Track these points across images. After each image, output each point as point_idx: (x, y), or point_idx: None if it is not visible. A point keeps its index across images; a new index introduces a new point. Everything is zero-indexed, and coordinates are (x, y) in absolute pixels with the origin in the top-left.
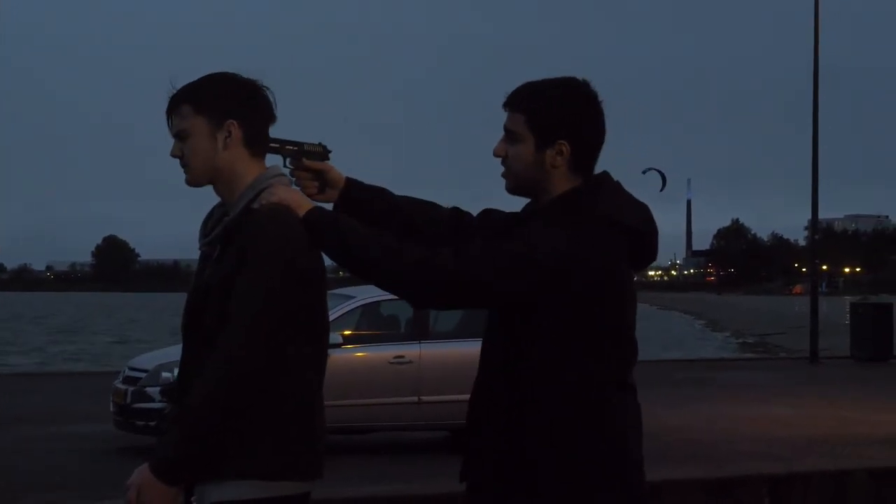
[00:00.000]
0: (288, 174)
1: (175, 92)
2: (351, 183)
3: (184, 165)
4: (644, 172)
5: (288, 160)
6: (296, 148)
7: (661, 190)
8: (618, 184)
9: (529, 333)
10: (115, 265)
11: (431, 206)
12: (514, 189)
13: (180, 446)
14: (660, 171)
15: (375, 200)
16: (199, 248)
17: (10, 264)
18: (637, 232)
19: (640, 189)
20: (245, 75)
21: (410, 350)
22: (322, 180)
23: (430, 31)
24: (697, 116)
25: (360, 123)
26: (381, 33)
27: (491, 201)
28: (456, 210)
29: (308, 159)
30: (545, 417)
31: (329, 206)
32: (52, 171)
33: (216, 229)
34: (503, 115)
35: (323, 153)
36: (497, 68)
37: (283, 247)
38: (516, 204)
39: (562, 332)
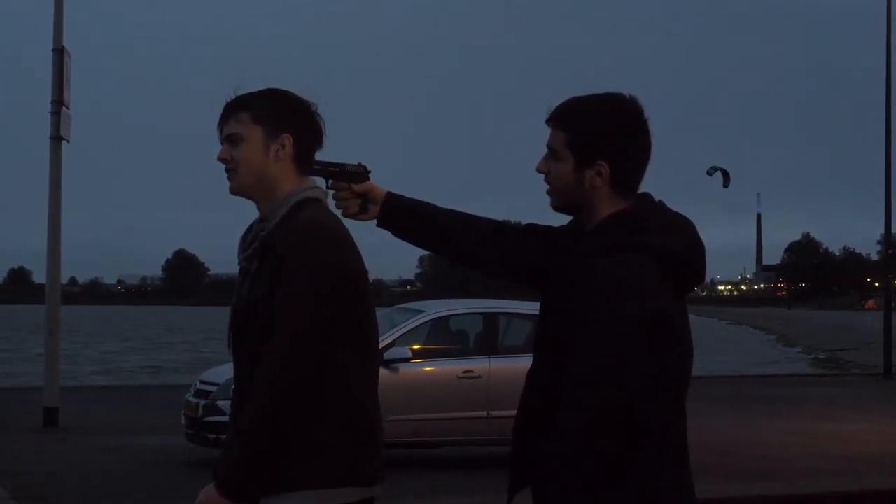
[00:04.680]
0: (329, 192)
1: (233, 98)
2: (391, 199)
3: (229, 170)
4: (709, 174)
5: (330, 182)
6: (337, 169)
7: (726, 186)
8: (660, 204)
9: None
10: (185, 279)
11: (473, 221)
12: (558, 207)
13: (241, 461)
14: (723, 170)
15: (416, 217)
16: (238, 264)
17: (82, 278)
18: (681, 257)
19: (706, 189)
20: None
21: (479, 365)
22: (364, 199)
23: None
24: (767, 128)
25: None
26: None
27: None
28: (498, 225)
29: (349, 180)
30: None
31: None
32: (121, 183)
33: (253, 244)
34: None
35: (363, 174)
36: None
37: (326, 254)
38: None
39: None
